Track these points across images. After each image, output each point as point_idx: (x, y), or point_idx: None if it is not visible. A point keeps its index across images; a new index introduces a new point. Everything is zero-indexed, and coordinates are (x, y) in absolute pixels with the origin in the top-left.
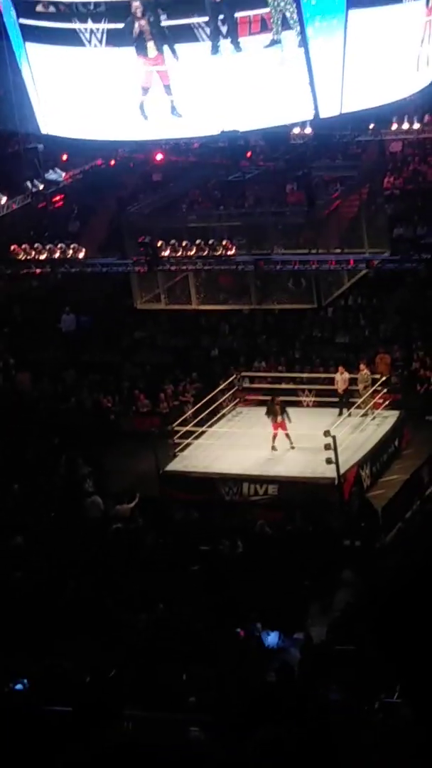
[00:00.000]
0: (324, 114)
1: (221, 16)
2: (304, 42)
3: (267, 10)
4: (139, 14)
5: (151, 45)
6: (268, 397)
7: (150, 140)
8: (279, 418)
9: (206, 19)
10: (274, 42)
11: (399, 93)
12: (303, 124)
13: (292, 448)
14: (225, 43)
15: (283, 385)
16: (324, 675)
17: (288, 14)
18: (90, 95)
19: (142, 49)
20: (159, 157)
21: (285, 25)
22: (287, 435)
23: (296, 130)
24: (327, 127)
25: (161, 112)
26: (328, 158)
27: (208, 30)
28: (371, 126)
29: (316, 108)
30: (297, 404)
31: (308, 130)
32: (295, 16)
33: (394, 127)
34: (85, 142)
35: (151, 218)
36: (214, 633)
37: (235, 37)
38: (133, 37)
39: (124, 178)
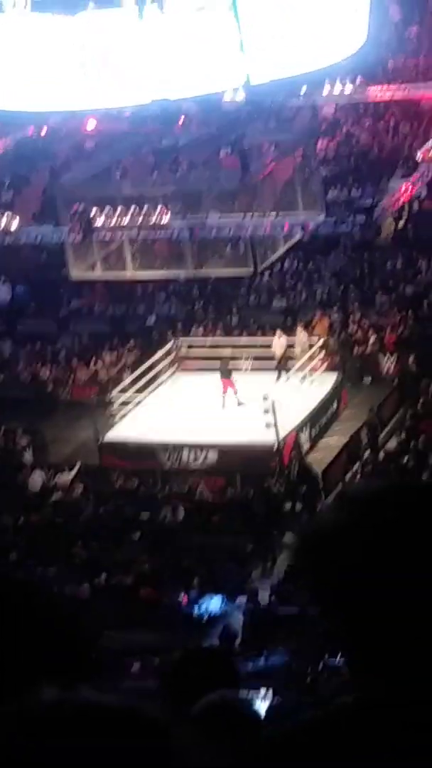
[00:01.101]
0: (255, 81)
1: None
2: (233, 7)
3: None
4: None
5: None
6: (220, 358)
7: (82, 110)
8: (230, 376)
9: None
10: (202, 7)
11: (331, 57)
12: (235, 90)
13: (240, 404)
14: (151, 8)
15: (222, 351)
16: (268, 638)
17: None
18: (18, 65)
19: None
20: (91, 125)
21: None
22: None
23: (228, 96)
24: (259, 93)
25: (92, 81)
26: (261, 123)
27: None
28: (303, 89)
29: (247, 74)
30: (235, 369)
31: (241, 96)
32: None
33: (326, 90)
34: (16, 113)
35: (85, 187)
36: (157, 600)
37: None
38: None
39: (57, 147)
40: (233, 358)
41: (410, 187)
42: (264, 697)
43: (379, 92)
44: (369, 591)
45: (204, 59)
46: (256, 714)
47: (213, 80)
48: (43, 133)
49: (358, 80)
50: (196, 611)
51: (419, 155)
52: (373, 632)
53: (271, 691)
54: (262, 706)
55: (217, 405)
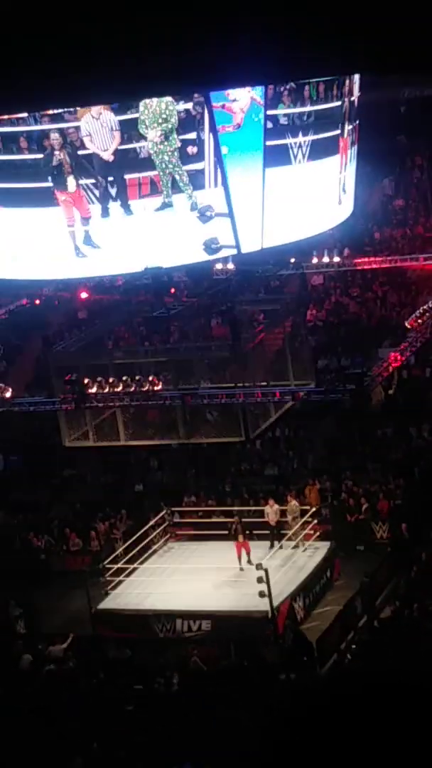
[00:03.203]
0: (245, 249)
1: (110, 178)
2: (224, 182)
3: (156, 172)
4: (57, 146)
5: (71, 179)
6: (231, 519)
7: (75, 279)
8: (241, 538)
9: (93, 180)
10: (166, 205)
11: (319, 227)
12: (225, 260)
13: (241, 569)
14: (114, 206)
15: (214, 519)
16: None
17: (177, 177)
18: (15, 238)
19: (60, 183)
20: (84, 295)
21: (175, 188)
22: (247, 555)
23: (219, 266)
24: (249, 262)
25: (86, 249)
26: (251, 292)
27: (96, 192)
28: (292, 259)
29: (237, 244)
30: (228, 538)
31: (230, 265)
32: (185, 179)
33: (315, 260)
34: (11, 282)
35: (78, 356)
36: None
37: (125, 199)
38: (51, 169)
39: (50, 317)
40: (220, 524)
41: (399, 355)
42: None
43: (367, 262)
44: None
45: (191, 233)
46: None
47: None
48: (37, 303)
49: (345, 250)
50: None
51: (407, 324)
52: None
53: None
54: None
55: (209, 573)
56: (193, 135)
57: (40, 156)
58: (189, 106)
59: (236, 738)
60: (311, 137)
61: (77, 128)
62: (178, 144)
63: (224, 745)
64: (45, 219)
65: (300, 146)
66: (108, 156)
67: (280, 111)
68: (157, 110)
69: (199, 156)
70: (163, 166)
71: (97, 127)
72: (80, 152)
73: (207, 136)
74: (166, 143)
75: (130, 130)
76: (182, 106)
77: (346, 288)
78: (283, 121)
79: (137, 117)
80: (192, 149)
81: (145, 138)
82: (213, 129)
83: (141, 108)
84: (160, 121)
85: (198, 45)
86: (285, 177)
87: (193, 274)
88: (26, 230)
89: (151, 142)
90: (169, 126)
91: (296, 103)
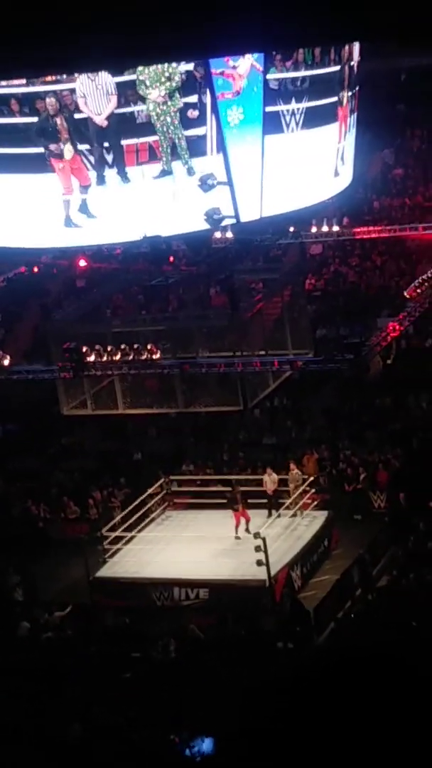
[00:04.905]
0: (244, 218)
1: (106, 144)
2: (223, 149)
3: (155, 138)
4: (52, 111)
5: (68, 146)
6: (229, 488)
7: (73, 247)
8: (239, 507)
9: (88, 147)
10: (165, 172)
11: (318, 196)
12: (224, 228)
13: (237, 538)
14: (111, 173)
15: (212, 488)
16: None
17: (177, 141)
18: (12, 205)
19: (55, 150)
20: (82, 263)
21: (174, 154)
22: (245, 524)
23: (218, 234)
24: (248, 231)
25: (82, 219)
26: (250, 261)
27: (92, 158)
28: (291, 228)
29: (236, 212)
30: (226, 507)
31: (229, 234)
32: (183, 143)
33: (314, 229)
34: (8, 250)
35: (76, 324)
36: (148, 741)
37: (122, 166)
38: (44, 135)
39: (48, 285)
40: (218, 493)
41: (397, 325)
42: None
43: (366, 231)
44: None
45: (190, 201)
46: None
47: (201, 218)
48: (35, 270)
49: (344, 220)
50: (188, 752)
51: (406, 293)
52: None
53: None
54: None
55: (207, 542)
56: (194, 98)
57: (33, 120)
58: (190, 67)
59: (233, 705)
60: (306, 104)
61: (72, 90)
62: (181, 104)
63: (222, 712)
64: (38, 185)
65: (293, 114)
66: (101, 121)
67: (272, 76)
68: (159, 69)
69: (201, 120)
70: (165, 129)
71: (92, 89)
72: (77, 116)
73: (209, 100)
74: (169, 103)
75: (127, 92)
76: (183, 67)
77: (345, 257)
78: (274, 86)
79: (135, 78)
80: (193, 113)
81: (144, 100)
82: (212, 96)
83: (140, 68)
84: (162, 80)
85: (195, 13)
86: (280, 145)
87: (192, 242)
88: (17, 197)
89: (153, 103)
90: (173, 85)
91: (289, 67)
